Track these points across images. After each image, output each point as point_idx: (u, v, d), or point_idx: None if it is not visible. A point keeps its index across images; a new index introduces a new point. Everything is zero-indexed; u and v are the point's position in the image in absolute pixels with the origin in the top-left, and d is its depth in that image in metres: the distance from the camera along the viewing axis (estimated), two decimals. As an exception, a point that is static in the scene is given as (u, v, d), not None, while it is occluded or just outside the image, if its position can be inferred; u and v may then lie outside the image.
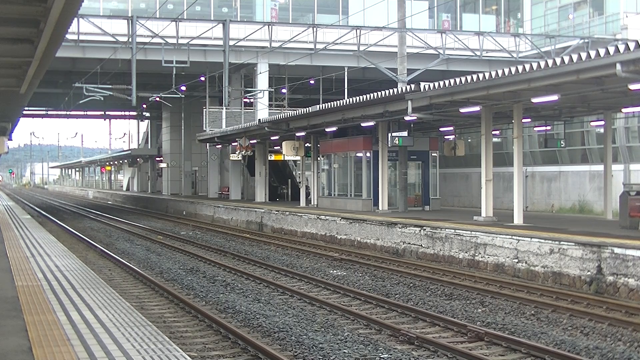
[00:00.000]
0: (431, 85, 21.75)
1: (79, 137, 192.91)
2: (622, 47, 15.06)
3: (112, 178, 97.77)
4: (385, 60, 33.35)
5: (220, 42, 37.01)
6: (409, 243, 22.45)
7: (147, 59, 36.97)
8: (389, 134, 27.34)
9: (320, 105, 30.17)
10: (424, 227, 21.81)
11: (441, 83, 21.02)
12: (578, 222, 23.36)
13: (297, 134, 33.64)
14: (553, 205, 32.93)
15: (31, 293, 10.59)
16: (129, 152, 76.35)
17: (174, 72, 36.47)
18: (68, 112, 63.31)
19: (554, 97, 18.82)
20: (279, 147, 37.46)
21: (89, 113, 69.82)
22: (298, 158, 38.43)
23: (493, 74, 18.86)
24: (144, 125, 78.64)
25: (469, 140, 38.00)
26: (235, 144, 39.32)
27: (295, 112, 32.28)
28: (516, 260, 17.97)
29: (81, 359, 6.89)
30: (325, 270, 19.54)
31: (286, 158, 41.81)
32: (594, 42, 37.34)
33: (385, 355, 10.27)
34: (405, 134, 27.10)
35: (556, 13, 43.96)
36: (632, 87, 16.44)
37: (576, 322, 12.59)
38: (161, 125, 64.14)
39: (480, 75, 19.28)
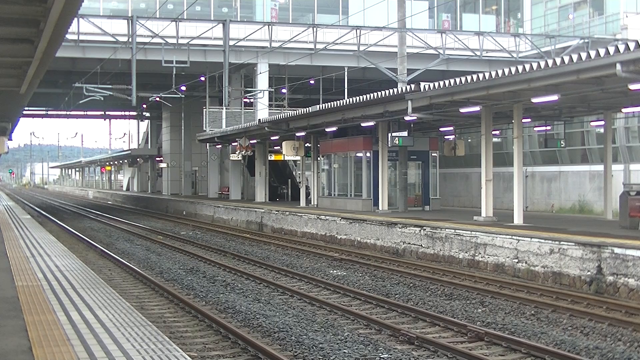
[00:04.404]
0: (431, 85, 21.75)
1: (79, 137, 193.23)
2: (622, 47, 15.06)
3: (112, 178, 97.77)
4: (385, 60, 33.36)
5: (220, 42, 37.01)
6: (409, 243, 22.45)
7: (147, 59, 36.97)
8: (389, 134, 27.34)
9: (320, 105, 30.17)
10: (424, 227, 21.81)
11: (441, 83, 21.02)
12: (578, 222, 23.36)
13: (297, 134, 33.64)
14: (553, 205, 32.93)
15: (31, 293, 10.58)
16: (129, 152, 76.36)
17: (174, 72, 36.48)
18: (68, 112, 63.33)
19: (554, 97, 18.82)
20: (279, 147, 37.46)
21: (89, 113, 69.83)
22: (298, 158, 38.43)
23: (493, 74, 18.87)
24: (144, 125, 78.65)
25: (469, 140, 38.00)
26: (235, 144, 39.32)
27: (295, 112, 32.28)
28: (516, 260, 17.97)
29: (81, 359, 6.89)
30: (325, 270, 19.54)
31: (286, 158, 41.80)
32: (594, 42, 37.34)
33: (385, 355, 10.27)
34: (405, 134, 27.09)
35: (556, 13, 43.96)
36: (632, 87, 16.44)
37: (576, 322, 12.59)
38: (161, 125, 64.15)
39: (480, 75, 19.29)
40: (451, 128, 31.45)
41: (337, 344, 10.90)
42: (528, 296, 14.97)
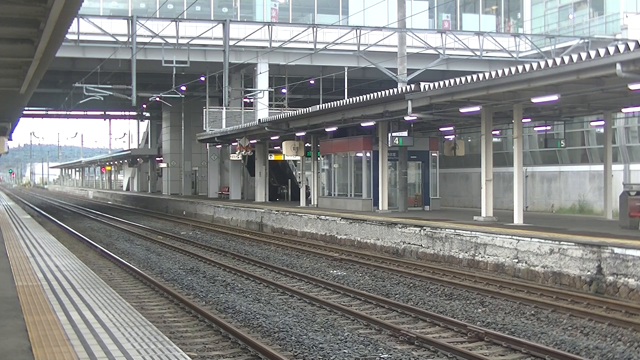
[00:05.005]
0: (431, 85, 21.75)
1: (79, 137, 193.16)
2: (622, 47, 15.06)
3: (112, 178, 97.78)
4: (385, 60, 33.36)
5: (220, 42, 37.01)
6: (409, 243, 22.45)
7: (147, 59, 36.97)
8: (389, 134, 27.34)
9: (320, 105, 30.16)
10: (424, 227, 21.81)
11: (441, 83, 21.02)
12: (578, 222, 23.36)
13: (297, 134, 33.64)
14: (553, 205, 32.94)
15: (31, 293, 10.59)
16: (129, 152, 76.35)
17: (174, 72, 36.46)
18: (68, 112, 63.30)
19: (554, 97, 18.82)
20: (279, 147, 37.46)
21: (89, 113, 69.83)
22: (298, 158, 38.43)
23: (493, 74, 18.86)
24: (144, 125, 78.65)
25: (469, 140, 38.00)
26: (235, 144, 39.32)
27: (295, 112, 32.28)
28: (516, 260, 17.97)
29: (81, 359, 6.89)
30: (325, 270, 19.54)
31: (286, 158, 41.80)
32: (594, 42, 37.34)
33: (385, 355, 10.27)
34: (405, 134, 27.09)
35: (556, 13, 43.96)
36: (632, 87, 16.44)
37: (576, 322, 12.59)
38: (161, 125, 64.15)
39: (480, 75, 19.28)
40: (451, 128, 31.45)
41: (337, 344, 10.90)
42: (528, 296, 14.96)
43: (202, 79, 40.87)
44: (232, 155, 42.81)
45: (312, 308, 14.08)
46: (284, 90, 42.41)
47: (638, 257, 14.60)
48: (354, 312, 13.34)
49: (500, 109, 23.28)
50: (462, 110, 22.51)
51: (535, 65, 17.48)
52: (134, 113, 67.09)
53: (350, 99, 26.65)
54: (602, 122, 25.95)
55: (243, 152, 38.79)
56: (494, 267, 18.67)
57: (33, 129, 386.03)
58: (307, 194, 36.35)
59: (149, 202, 57.70)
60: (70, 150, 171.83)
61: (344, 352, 10.38)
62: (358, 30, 37.07)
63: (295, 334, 11.45)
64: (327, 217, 27.72)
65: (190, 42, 36.07)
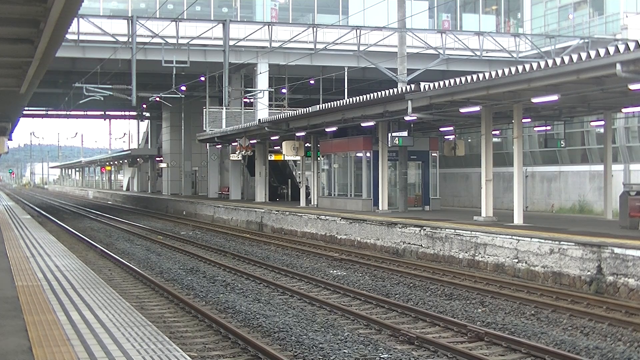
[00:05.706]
0: (431, 85, 21.75)
1: (79, 137, 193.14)
2: (622, 47, 15.06)
3: (112, 178, 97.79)
4: (385, 60, 33.36)
5: (220, 42, 37.02)
6: (409, 243, 22.45)
7: (147, 59, 36.97)
8: (389, 134, 27.34)
9: (320, 105, 30.17)
10: (424, 227, 21.81)
11: (441, 83, 21.02)
12: (578, 222, 23.36)
13: (297, 134, 33.64)
14: (553, 205, 32.94)
15: (31, 293, 10.59)
16: (129, 152, 76.36)
17: (174, 72, 36.48)
18: (68, 112, 63.32)
19: (554, 97, 18.82)
20: (279, 147, 37.46)
21: (89, 113, 69.85)
22: (298, 158, 38.43)
23: (493, 74, 18.86)
24: (144, 125, 78.67)
25: (469, 140, 38.00)
26: (235, 144, 39.33)
27: (295, 112, 32.28)
28: (516, 260, 17.98)
29: (81, 359, 6.89)
30: (325, 270, 19.54)
31: (286, 158, 41.80)
32: (594, 42, 37.35)
33: (385, 355, 10.28)
34: (405, 134, 27.10)
35: (556, 13, 43.97)
36: (632, 87, 16.44)
37: (576, 322, 12.60)
38: (161, 125, 64.17)
39: (480, 75, 19.28)
40: (451, 128, 31.45)
41: (337, 344, 10.90)
42: (528, 296, 14.97)
43: (202, 79, 40.88)
44: (232, 155, 42.81)
45: (312, 308, 14.08)
46: (284, 90, 42.42)
47: (638, 257, 14.60)
48: (354, 312, 13.34)
49: (500, 109, 23.28)
50: (462, 110, 22.51)
51: (535, 65, 17.48)
52: (134, 113, 67.10)
53: (350, 99, 26.65)
54: (602, 122, 25.94)
55: (243, 152, 38.80)
56: (494, 267, 18.67)
57: (33, 129, 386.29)
58: (307, 194, 36.35)
59: (149, 202, 57.71)
60: (70, 150, 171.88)
61: (344, 352, 10.38)
62: (358, 30, 37.08)
63: (295, 334, 11.46)
64: (327, 217, 27.72)
65: (190, 42, 36.09)
